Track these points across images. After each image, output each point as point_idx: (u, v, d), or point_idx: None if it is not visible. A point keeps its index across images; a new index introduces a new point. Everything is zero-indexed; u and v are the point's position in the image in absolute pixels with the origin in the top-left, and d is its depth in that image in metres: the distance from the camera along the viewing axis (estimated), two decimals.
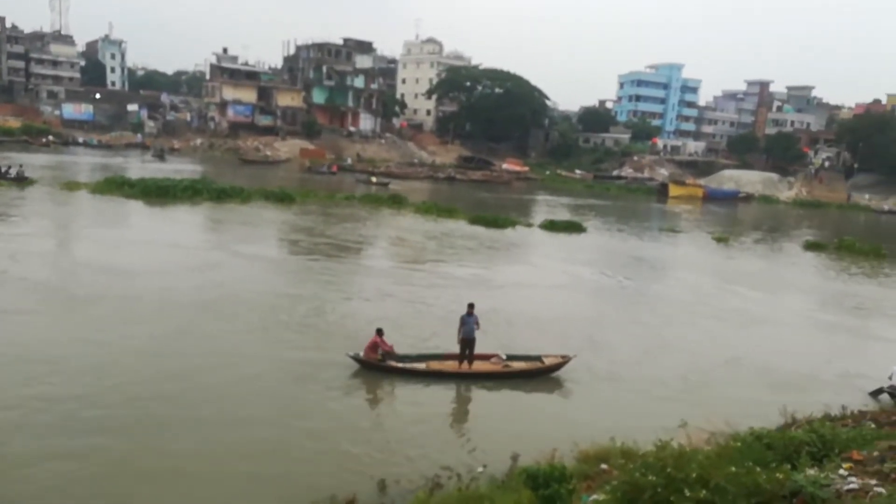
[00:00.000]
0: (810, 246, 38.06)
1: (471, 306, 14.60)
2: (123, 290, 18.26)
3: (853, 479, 6.46)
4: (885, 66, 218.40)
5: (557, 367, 14.70)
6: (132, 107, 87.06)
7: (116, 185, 37.25)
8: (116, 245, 24.28)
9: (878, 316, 23.90)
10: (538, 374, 14.62)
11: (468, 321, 14.36)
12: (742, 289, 25.65)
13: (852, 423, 9.82)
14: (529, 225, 37.29)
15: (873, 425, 9.40)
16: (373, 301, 19.67)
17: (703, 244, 37.63)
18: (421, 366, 14.28)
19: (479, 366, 14.44)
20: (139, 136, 79.48)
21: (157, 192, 36.24)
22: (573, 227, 37.12)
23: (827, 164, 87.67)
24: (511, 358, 14.84)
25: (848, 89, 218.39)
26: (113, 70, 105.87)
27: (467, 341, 14.34)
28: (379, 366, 13.99)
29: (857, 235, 41.93)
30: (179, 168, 54.43)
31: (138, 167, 54.06)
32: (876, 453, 7.34)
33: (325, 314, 18.01)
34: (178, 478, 9.62)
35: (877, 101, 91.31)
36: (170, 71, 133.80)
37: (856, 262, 33.87)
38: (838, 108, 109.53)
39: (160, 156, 66.08)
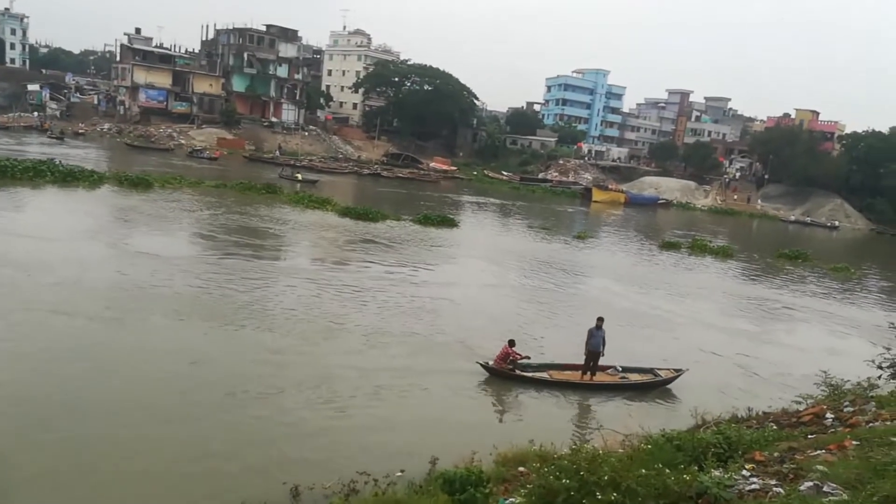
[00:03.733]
0: (666, 245, 39.66)
1: (600, 320, 14.61)
2: None
3: (755, 479, 6.61)
4: (794, 83, 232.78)
5: (671, 380, 14.91)
6: (33, 87, 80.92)
7: None
8: None
9: (773, 319, 25.00)
10: (654, 387, 14.82)
11: (596, 334, 14.40)
12: (634, 288, 26.35)
13: (756, 425, 10.01)
14: (398, 218, 36.50)
15: (775, 427, 9.63)
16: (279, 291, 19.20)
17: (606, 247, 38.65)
18: (544, 375, 14.43)
19: (598, 377, 14.59)
20: (36, 114, 73.69)
21: None
22: (446, 222, 37.38)
23: (738, 174, 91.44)
24: (626, 370, 15.01)
25: (761, 104, 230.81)
26: (13, 47, 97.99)
27: (593, 354, 14.39)
28: (508, 375, 14.13)
29: (759, 242, 43.31)
30: (71, 152, 51.02)
31: (33, 150, 49.88)
32: (776, 454, 7.52)
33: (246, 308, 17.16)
34: (85, 478, 9.22)
35: (786, 115, 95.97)
36: (76, 50, 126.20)
37: (714, 261, 36.31)
38: (752, 120, 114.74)
39: (59, 138, 61.77)
